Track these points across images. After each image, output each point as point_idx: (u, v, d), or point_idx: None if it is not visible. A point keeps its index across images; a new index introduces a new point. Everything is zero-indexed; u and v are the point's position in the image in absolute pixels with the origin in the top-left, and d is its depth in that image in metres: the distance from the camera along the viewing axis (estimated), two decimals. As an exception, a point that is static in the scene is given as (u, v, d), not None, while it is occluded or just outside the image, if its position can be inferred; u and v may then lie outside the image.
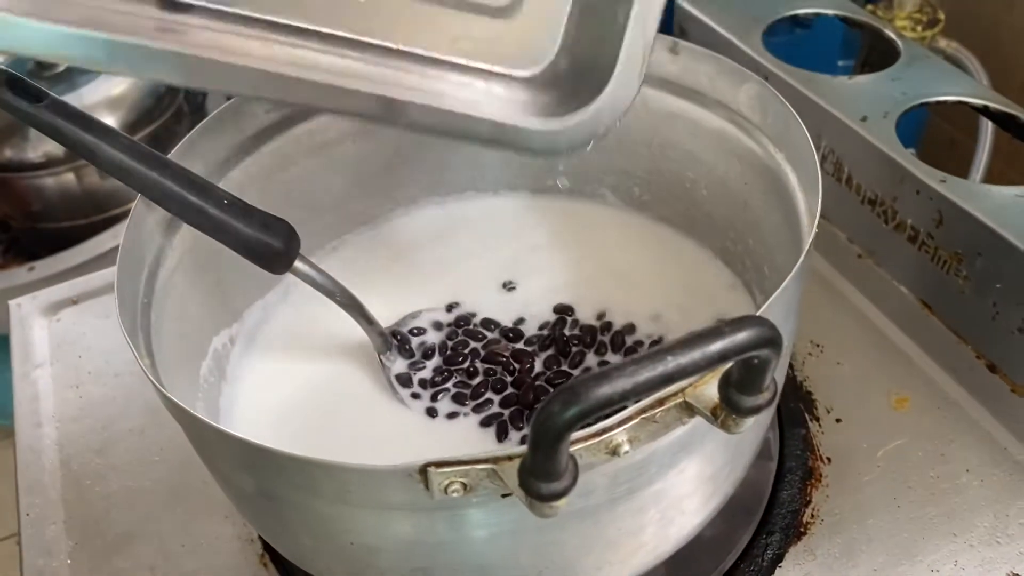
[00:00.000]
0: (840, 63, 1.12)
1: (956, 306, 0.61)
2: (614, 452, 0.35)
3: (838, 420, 0.59)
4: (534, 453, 0.30)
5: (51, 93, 0.44)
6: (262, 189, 0.58)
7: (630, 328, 0.57)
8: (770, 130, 0.52)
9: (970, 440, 0.57)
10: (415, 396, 0.55)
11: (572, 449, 0.34)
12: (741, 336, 0.30)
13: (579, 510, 0.39)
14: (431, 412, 0.54)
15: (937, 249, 0.60)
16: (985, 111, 0.67)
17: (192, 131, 0.53)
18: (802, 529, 0.54)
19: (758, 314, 0.34)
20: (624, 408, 0.34)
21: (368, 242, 0.65)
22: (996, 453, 0.57)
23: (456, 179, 0.66)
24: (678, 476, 0.41)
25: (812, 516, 0.55)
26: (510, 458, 0.34)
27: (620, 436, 0.35)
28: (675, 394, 0.35)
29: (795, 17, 0.78)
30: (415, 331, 0.59)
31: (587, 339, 0.57)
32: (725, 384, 0.33)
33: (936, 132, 1.20)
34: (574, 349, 0.56)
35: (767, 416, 0.49)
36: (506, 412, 0.53)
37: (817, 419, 0.60)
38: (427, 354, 0.57)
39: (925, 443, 0.58)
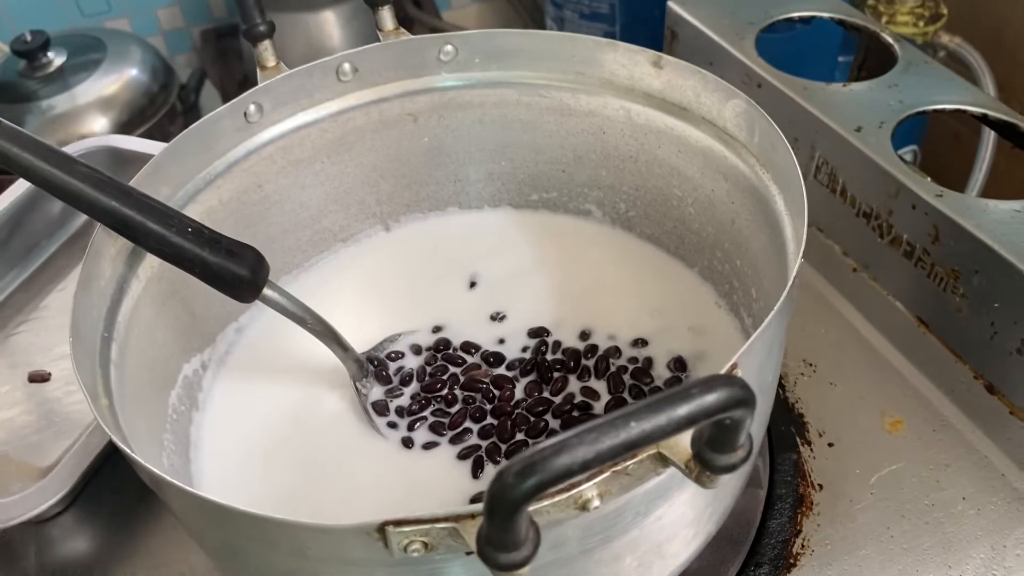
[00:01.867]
0: (841, 59, 1.09)
1: (953, 324, 0.59)
2: (583, 507, 0.33)
3: (830, 444, 0.58)
4: (490, 523, 0.28)
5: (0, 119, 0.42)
6: (235, 210, 0.56)
7: (614, 351, 0.56)
8: (756, 149, 0.50)
9: (966, 465, 0.55)
10: (392, 425, 0.53)
11: (537, 507, 0.32)
12: (710, 398, 0.28)
13: (552, 561, 0.37)
14: (407, 442, 0.52)
15: (934, 265, 0.58)
16: (984, 119, 0.65)
17: (159, 153, 0.51)
18: (792, 560, 0.52)
19: (729, 372, 0.33)
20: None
21: (346, 260, 0.63)
22: (994, 480, 0.55)
23: (437, 194, 0.64)
24: (656, 523, 0.39)
25: (803, 546, 0.53)
26: (472, 516, 0.33)
27: (590, 491, 0.33)
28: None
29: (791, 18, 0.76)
30: (393, 355, 0.57)
31: (570, 363, 0.55)
32: (698, 441, 0.31)
33: (940, 127, 1.17)
34: (556, 375, 0.54)
35: (746, 466, 0.47)
36: (484, 444, 0.51)
37: (809, 443, 0.58)
38: (405, 380, 0.56)
39: (920, 468, 0.56)
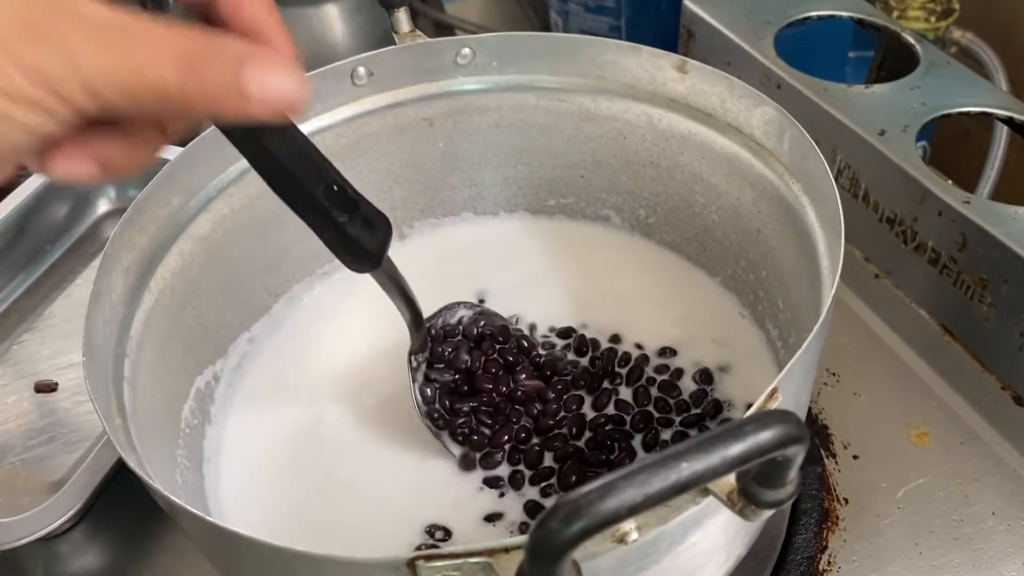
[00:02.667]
0: (852, 54, 1.08)
1: (980, 333, 0.57)
2: (621, 540, 0.32)
3: (855, 457, 0.56)
4: (532, 566, 0.27)
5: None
6: (248, 218, 0.55)
7: (643, 360, 0.54)
8: (786, 158, 0.49)
9: (995, 480, 0.54)
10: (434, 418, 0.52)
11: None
12: (764, 436, 0.27)
13: (584, 592, 0.36)
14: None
15: (960, 273, 0.57)
16: (1010, 122, 0.63)
17: (171, 161, 0.50)
18: (818, 578, 0.51)
19: (769, 397, 0.31)
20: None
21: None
22: None
23: (452, 200, 0.63)
24: (690, 550, 0.38)
25: (829, 563, 0.52)
26: (507, 550, 0.31)
27: (628, 524, 0.32)
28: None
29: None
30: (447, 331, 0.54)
31: (603, 373, 0.54)
32: (744, 475, 0.30)
33: (949, 123, 1.16)
34: (605, 385, 0.54)
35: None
36: (510, 471, 0.50)
37: (834, 456, 0.57)
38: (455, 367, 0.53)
39: (948, 482, 0.55)
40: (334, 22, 1.05)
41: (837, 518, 0.54)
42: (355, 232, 0.42)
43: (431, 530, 0.48)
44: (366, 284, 0.61)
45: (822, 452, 0.57)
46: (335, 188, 0.41)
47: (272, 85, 0.30)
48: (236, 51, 0.29)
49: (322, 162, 0.40)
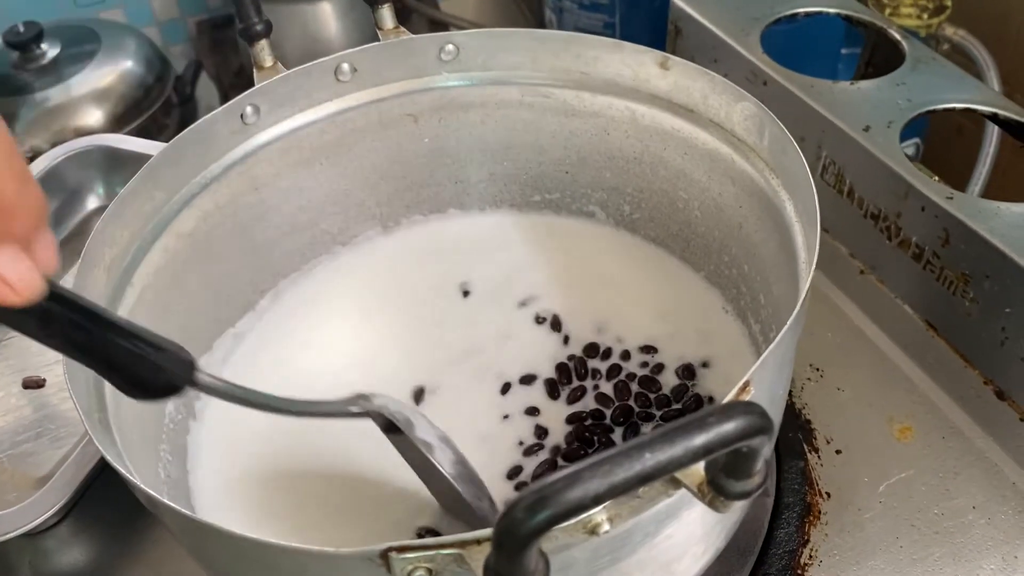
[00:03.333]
0: (844, 51, 1.08)
1: (963, 329, 0.58)
2: (593, 531, 0.32)
3: (838, 451, 0.57)
4: (499, 556, 0.27)
5: None
6: (232, 213, 0.55)
7: (624, 355, 0.55)
8: (766, 153, 0.49)
9: (976, 473, 0.55)
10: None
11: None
12: (728, 427, 0.27)
13: (558, 584, 0.36)
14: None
15: (943, 269, 0.57)
16: (994, 118, 0.63)
17: (153, 157, 0.50)
18: (800, 571, 0.51)
19: (742, 390, 0.32)
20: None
21: (345, 263, 0.62)
22: (1004, 488, 0.54)
23: (438, 196, 0.63)
24: (665, 542, 0.38)
25: (810, 557, 0.52)
26: (478, 542, 0.32)
27: (599, 515, 0.32)
28: (659, 470, 0.32)
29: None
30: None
31: (581, 369, 0.54)
32: (712, 467, 0.30)
33: (942, 120, 1.16)
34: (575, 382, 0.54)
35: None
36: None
37: (816, 450, 0.57)
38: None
39: (929, 477, 0.55)
40: (328, 19, 1.05)
41: (819, 512, 0.54)
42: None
43: (421, 532, 0.48)
44: (349, 282, 0.62)
45: (805, 447, 0.57)
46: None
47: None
48: None
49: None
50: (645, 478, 0.26)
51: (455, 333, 0.58)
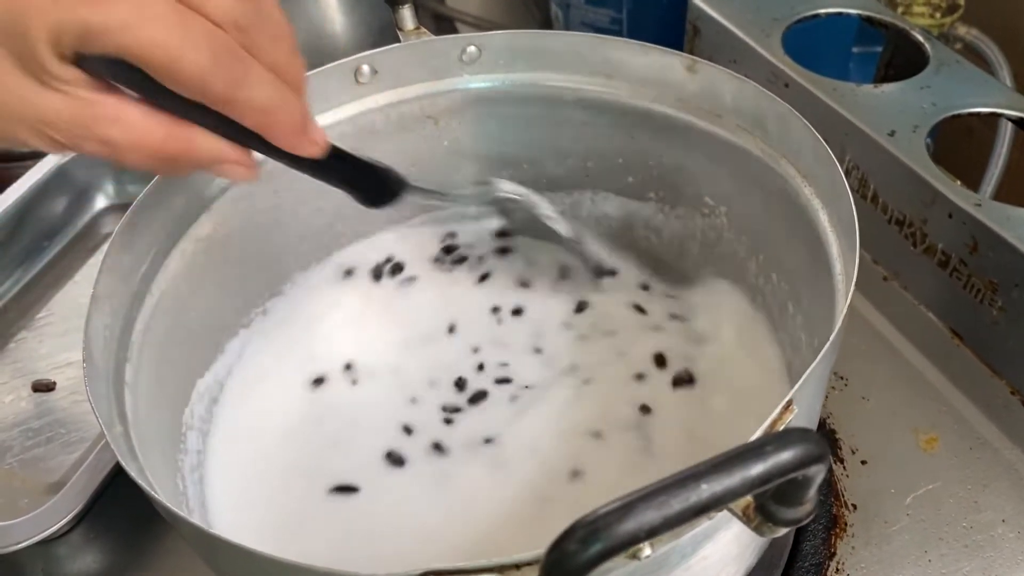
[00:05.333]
0: (856, 50, 1.07)
1: (990, 337, 0.57)
2: (634, 556, 0.32)
3: (863, 462, 0.56)
4: (547, 589, 0.26)
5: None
6: (249, 216, 0.54)
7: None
8: (797, 160, 0.48)
9: (1005, 486, 0.54)
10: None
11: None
12: (785, 456, 0.26)
13: (594, 606, 0.35)
14: (437, 447, 0.51)
15: (970, 276, 0.56)
16: (1021, 123, 0.63)
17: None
18: (826, 585, 0.51)
19: (783, 410, 0.31)
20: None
21: (360, 265, 0.61)
22: (1034, 501, 0.53)
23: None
24: (700, 563, 0.37)
25: (837, 570, 0.51)
26: (517, 567, 0.31)
27: (641, 540, 0.31)
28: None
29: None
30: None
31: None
32: (763, 493, 0.29)
33: (953, 121, 1.15)
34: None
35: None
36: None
37: (842, 461, 0.56)
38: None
39: (957, 488, 0.54)
40: (334, 14, 1.04)
41: (845, 524, 0.53)
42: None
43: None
44: (364, 284, 0.61)
45: (830, 457, 0.56)
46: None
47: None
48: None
49: None
50: (700, 510, 0.25)
51: (469, 338, 0.57)
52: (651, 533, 0.25)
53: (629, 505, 0.25)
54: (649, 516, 0.25)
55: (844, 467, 0.56)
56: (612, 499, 0.25)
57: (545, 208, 0.57)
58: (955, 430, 0.57)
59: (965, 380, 0.59)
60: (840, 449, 0.57)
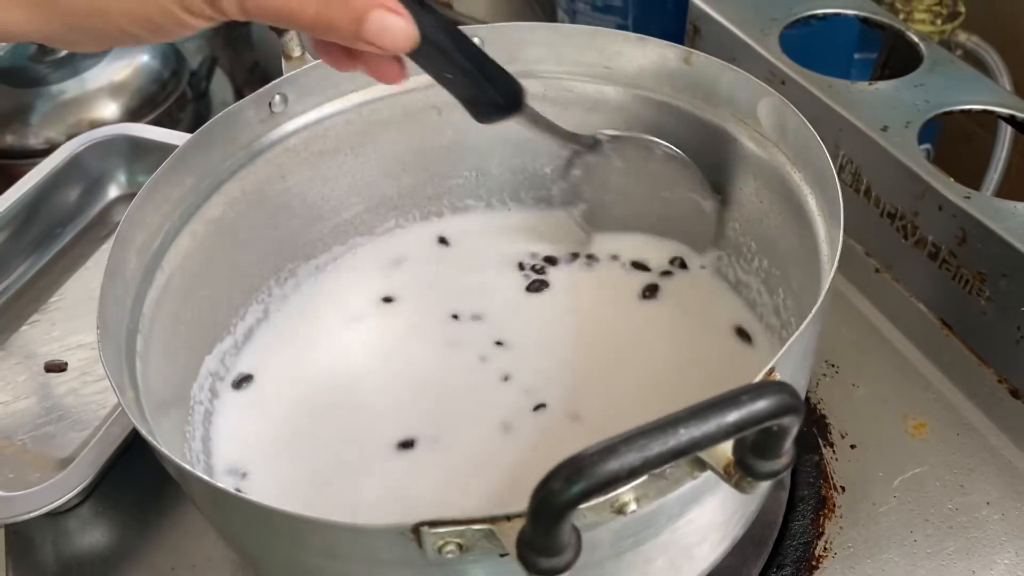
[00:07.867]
0: (857, 56, 1.08)
1: (978, 327, 0.58)
2: (620, 511, 0.33)
3: (853, 446, 0.57)
4: (533, 527, 0.28)
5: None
6: (257, 201, 0.56)
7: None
8: (788, 149, 0.50)
9: (990, 470, 0.55)
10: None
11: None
12: (760, 405, 0.27)
13: (583, 564, 0.36)
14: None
15: (959, 268, 0.58)
16: (1012, 120, 0.64)
17: (184, 143, 0.50)
18: (814, 563, 0.52)
19: (766, 377, 0.32)
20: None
21: (365, 254, 0.63)
22: (1018, 485, 0.54)
23: (459, 189, 0.64)
24: (687, 526, 0.39)
25: (825, 549, 0.53)
26: (508, 518, 0.32)
27: (627, 495, 0.33)
28: (687, 451, 0.33)
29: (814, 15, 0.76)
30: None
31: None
32: (740, 446, 0.31)
33: (953, 125, 1.16)
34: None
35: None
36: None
37: (831, 445, 0.57)
38: None
39: (943, 472, 0.55)
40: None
41: (834, 505, 0.54)
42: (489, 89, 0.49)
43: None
44: (376, 266, 0.62)
45: (820, 441, 0.57)
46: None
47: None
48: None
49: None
50: (678, 452, 0.27)
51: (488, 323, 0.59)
52: (632, 473, 0.26)
53: (611, 447, 0.26)
54: (630, 458, 0.26)
55: (834, 451, 0.57)
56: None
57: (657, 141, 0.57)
58: (943, 417, 0.58)
59: (954, 369, 0.60)
60: (830, 433, 0.58)
